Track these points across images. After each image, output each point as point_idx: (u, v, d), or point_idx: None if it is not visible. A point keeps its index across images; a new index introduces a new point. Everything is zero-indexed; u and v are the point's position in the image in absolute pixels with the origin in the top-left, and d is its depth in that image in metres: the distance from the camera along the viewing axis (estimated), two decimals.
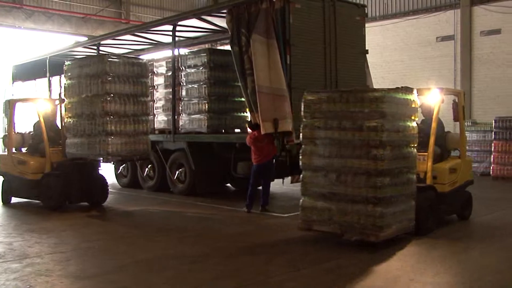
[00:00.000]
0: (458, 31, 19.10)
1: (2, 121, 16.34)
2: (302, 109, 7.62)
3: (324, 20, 10.63)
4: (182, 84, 12.65)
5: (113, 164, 14.07)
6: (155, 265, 6.57)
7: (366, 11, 11.91)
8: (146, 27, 14.27)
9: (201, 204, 11.37)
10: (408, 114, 7.43)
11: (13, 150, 11.62)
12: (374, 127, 6.86)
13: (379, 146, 6.85)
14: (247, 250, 7.43)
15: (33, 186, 10.85)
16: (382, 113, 6.87)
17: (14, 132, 11.64)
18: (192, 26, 12.85)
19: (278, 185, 12.09)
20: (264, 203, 10.22)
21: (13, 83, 18.57)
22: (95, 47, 14.81)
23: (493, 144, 15.53)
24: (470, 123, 16.89)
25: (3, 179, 11.88)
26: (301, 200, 7.65)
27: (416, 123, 7.70)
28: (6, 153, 11.79)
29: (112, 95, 10.11)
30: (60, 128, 11.74)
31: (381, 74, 19.65)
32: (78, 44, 16.22)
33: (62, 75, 16.20)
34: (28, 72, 17.75)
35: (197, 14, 12.32)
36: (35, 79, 18.06)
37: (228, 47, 11.42)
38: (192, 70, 12.42)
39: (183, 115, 12.56)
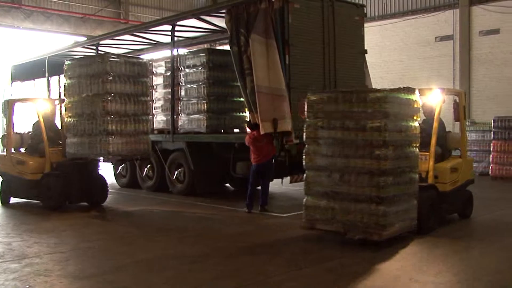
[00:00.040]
0: (457, 31, 19.12)
1: (1, 121, 16.39)
2: (306, 109, 7.68)
3: (323, 20, 10.64)
4: (181, 84, 12.65)
5: (112, 164, 14.08)
6: (154, 265, 6.57)
7: (365, 11, 11.91)
8: (145, 27, 14.26)
9: (200, 204, 11.37)
10: (410, 114, 7.50)
11: (12, 150, 11.59)
12: (377, 127, 6.93)
13: (382, 146, 6.93)
14: (247, 250, 7.43)
15: (33, 186, 10.84)
16: (385, 113, 6.94)
17: (13, 132, 11.62)
18: (191, 26, 12.84)
19: (277, 185, 12.10)
20: (263, 203, 10.22)
21: (12, 83, 18.55)
22: (94, 47, 14.81)
23: (492, 144, 15.55)
24: (469, 123, 16.89)
25: (1, 179, 11.86)
26: (304, 199, 7.71)
27: (418, 123, 7.75)
28: (5, 153, 11.76)
29: (112, 94, 10.11)
30: (59, 128, 11.74)
31: (380, 74, 19.66)
32: (77, 44, 16.21)
33: (61, 75, 16.25)
34: (27, 72, 17.73)
35: (196, 14, 12.31)
36: (34, 79, 18.04)
37: (227, 47, 11.42)
38: (191, 70, 12.42)
39: (182, 115, 12.56)
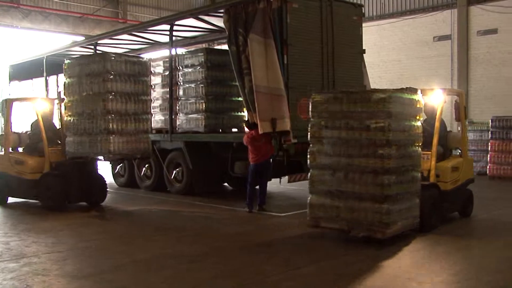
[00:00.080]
0: (455, 31, 19.14)
1: None
2: (310, 109, 7.79)
3: (321, 19, 10.65)
4: (179, 83, 12.65)
5: (111, 163, 14.07)
6: (153, 264, 6.57)
7: (363, 11, 11.92)
8: (143, 26, 14.25)
9: (199, 203, 11.37)
10: (413, 114, 7.62)
11: (10, 150, 11.56)
12: (381, 127, 7.04)
13: (386, 145, 7.04)
14: (246, 249, 7.44)
15: (32, 186, 10.80)
16: (388, 113, 7.05)
17: (11, 132, 11.59)
18: (189, 25, 12.84)
19: (275, 185, 12.10)
20: (262, 203, 10.23)
21: (10, 83, 18.53)
22: (92, 47, 14.80)
23: (489, 144, 15.59)
24: (467, 123, 16.90)
25: None
26: (308, 198, 7.80)
27: (420, 122, 7.86)
28: (2, 152, 11.74)
29: (113, 93, 10.11)
30: (57, 127, 11.72)
31: (378, 73, 19.67)
32: (75, 43, 16.20)
33: (59, 75, 16.29)
34: (25, 71, 17.71)
35: (194, 13, 12.31)
36: (32, 79, 18.02)
37: (225, 47, 11.41)
38: (190, 70, 12.43)
39: (180, 114, 12.56)
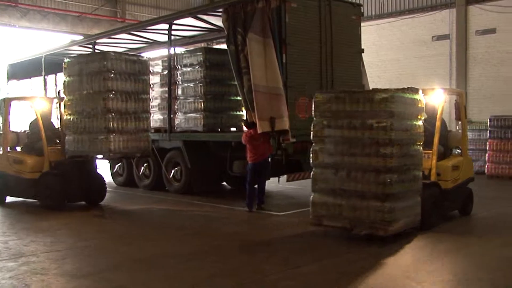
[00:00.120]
0: (453, 31, 19.16)
1: None
2: (312, 108, 7.88)
3: (320, 19, 10.65)
4: (178, 83, 12.65)
5: (109, 162, 14.07)
6: (151, 263, 6.57)
7: (362, 10, 11.92)
8: (142, 25, 14.25)
9: (197, 202, 11.37)
10: (415, 114, 7.72)
11: (8, 149, 11.54)
12: (384, 126, 7.13)
13: (388, 144, 7.13)
14: (244, 248, 7.44)
15: (31, 185, 10.76)
16: (391, 112, 7.14)
17: (10, 131, 11.56)
18: (188, 25, 12.84)
19: (273, 184, 12.10)
20: (260, 202, 10.23)
21: (8, 82, 18.50)
22: (91, 46, 14.78)
23: (488, 143, 15.62)
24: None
25: None
26: (311, 196, 7.88)
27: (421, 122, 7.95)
28: (1, 152, 11.70)
29: (114, 92, 10.10)
30: (55, 126, 11.69)
31: (376, 73, 19.68)
32: (73, 42, 16.18)
33: (58, 74, 16.27)
34: (24, 70, 17.69)
35: (193, 13, 12.31)
36: (30, 78, 18.01)
37: (224, 46, 11.41)
38: (188, 69, 12.42)
39: (179, 114, 12.56)
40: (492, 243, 7.64)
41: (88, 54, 13.54)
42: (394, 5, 20.99)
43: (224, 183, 13.59)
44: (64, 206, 10.51)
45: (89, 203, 10.95)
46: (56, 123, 12.21)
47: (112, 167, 14.37)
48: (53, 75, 16.85)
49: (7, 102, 11.66)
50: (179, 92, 12.60)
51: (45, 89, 16.68)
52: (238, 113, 12.62)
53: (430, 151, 8.49)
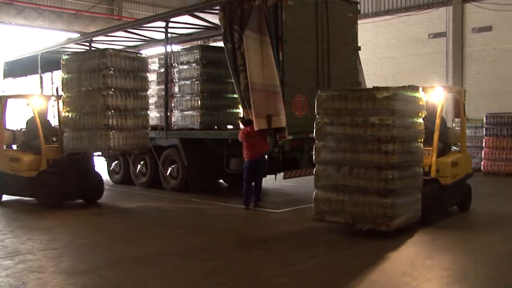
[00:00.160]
0: (450, 28, 19.19)
1: None
2: (316, 106, 7.97)
3: (317, 17, 10.66)
4: (174, 80, 12.63)
5: (106, 160, 14.05)
6: (148, 261, 6.58)
7: (358, 8, 11.93)
8: (138, 23, 14.20)
9: (194, 200, 11.37)
10: (415, 111, 7.85)
11: (4, 147, 11.50)
12: (386, 123, 7.24)
13: (390, 141, 7.25)
14: (240, 245, 7.45)
15: (28, 183, 10.72)
16: (393, 110, 7.26)
17: (5, 129, 11.54)
18: (184, 22, 12.82)
19: (270, 181, 12.12)
20: (257, 199, 10.24)
21: (4, 80, 18.45)
22: (87, 44, 14.75)
23: (484, 140, 15.67)
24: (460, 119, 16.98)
25: None
26: (314, 192, 7.97)
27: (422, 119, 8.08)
28: None
29: (113, 89, 10.08)
30: (52, 124, 11.66)
31: (373, 70, 19.71)
32: (70, 40, 16.14)
33: (54, 72, 16.23)
34: (20, 68, 17.64)
35: (190, 10, 12.28)
36: (26, 76, 17.95)
37: (221, 44, 11.41)
38: (185, 67, 12.41)
39: (176, 111, 12.55)
40: (491, 238, 7.73)
41: (87, 51, 13.51)
42: (390, 3, 21.01)
43: (221, 180, 13.59)
44: (62, 204, 10.48)
45: (87, 201, 10.93)
46: (53, 121, 12.17)
47: (108, 165, 14.35)
48: (49, 73, 16.79)
49: (3, 100, 11.64)
50: (176, 90, 12.58)
51: (41, 87, 16.63)
52: (234, 110, 12.62)
53: (430, 148, 8.61)
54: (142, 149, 10.95)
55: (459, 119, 9.76)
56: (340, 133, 7.64)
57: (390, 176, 7.24)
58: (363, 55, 12.32)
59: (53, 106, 12.70)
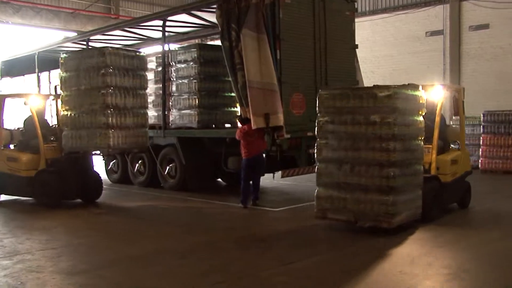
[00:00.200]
0: (447, 26, 19.21)
1: None
2: (317, 105, 8.02)
3: (314, 15, 10.66)
4: (172, 79, 12.63)
5: (103, 159, 14.05)
6: (146, 260, 6.58)
7: (355, 6, 11.94)
8: (135, 22, 14.19)
9: (192, 199, 11.38)
10: (416, 109, 7.93)
11: (1, 147, 11.47)
12: (387, 121, 7.31)
13: (391, 139, 7.32)
14: (238, 244, 7.45)
15: (26, 183, 10.68)
16: (394, 108, 7.34)
17: (3, 128, 11.50)
18: (182, 21, 12.81)
19: (268, 180, 12.12)
20: (255, 198, 10.25)
21: (1, 79, 18.41)
22: (85, 43, 14.73)
23: (481, 138, 15.70)
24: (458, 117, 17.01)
25: None
26: (316, 190, 8.02)
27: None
28: None
29: (112, 87, 10.07)
30: (50, 124, 11.63)
31: (370, 68, 19.72)
32: (67, 39, 16.11)
33: (52, 71, 16.22)
34: (17, 68, 17.61)
35: (187, 9, 12.27)
36: (24, 75, 17.93)
37: (218, 42, 11.40)
38: (182, 65, 12.40)
39: (173, 110, 12.55)
40: (490, 236, 7.78)
41: (86, 49, 13.48)
42: (388, 1, 21.02)
43: (219, 179, 13.59)
44: (60, 204, 10.45)
45: (86, 201, 10.91)
46: (50, 120, 12.15)
47: (106, 164, 14.35)
48: (47, 72, 16.78)
49: (0, 99, 11.60)
50: (173, 88, 12.58)
51: (39, 86, 16.61)
52: (232, 109, 12.63)
53: (430, 146, 8.69)
54: (141, 147, 10.95)
55: (457, 117, 9.82)
56: (342, 131, 7.71)
57: (392, 174, 7.31)
58: (361, 53, 12.35)
59: (50, 105, 12.69)
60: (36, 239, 7.77)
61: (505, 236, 7.77)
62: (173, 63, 12.60)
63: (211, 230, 8.40)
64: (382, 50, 20.78)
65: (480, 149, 15.66)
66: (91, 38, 14.59)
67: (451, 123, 14.21)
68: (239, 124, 10.45)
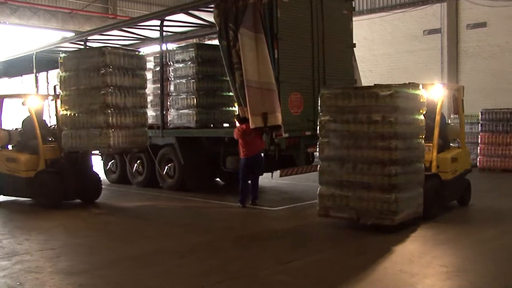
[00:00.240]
0: (444, 25, 19.24)
1: None
2: (319, 104, 8.11)
3: (312, 14, 10.67)
4: (170, 79, 12.62)
5: (102, 159, 14.04)
6: (144, 260, 6.58)
7: (353, 5, 11.94)
8: (133, 22, 14.17)
9: (191, 198, 11.38)
10: (417, 108, 8.02)
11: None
12: (389, 120, 7.39)
13: (393, 137, 7.41)
14: (237, 244, 7.46)
15: (25, 184, 10.65)
16: (395, 107, 7.42)
17: (1, 129, 11.49)
18: (179, 21, 12.81)
19: (267, 179, 12.13)
20: (254, 197, 10.25)
21: None
22: (82, 43, 14.71)
23: (479, 136, 15.73)
24: (456, 116, 17.04)
25: None
26: (318, 189, 8.09)
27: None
28: None
29: (112, 87, 10.06)
30: (48, 124, 11.61)
31: (368, 67, 19.74)
32: (65, 39, 16.09)
33: (49, 71, 16.19)
34: (15, 68, 17.58)
35: (185, 8, 12.27)
36: (21, 76, 17.90)
37: (216, 42, 11.40)
38: (180, 65, 12.39)
39: (172, 110, 12.54)
40: (490, 233, 7.85)
41: (86, 49, 13.45)
42: (385, 0, 21.04)
43: (218, 179, 13.59)
44: (60, 205, 10.43)
45: (85, 201, 10.89)
46: (48, 121, 12.13)
47: (105, 164, 14.34)
48: (45, 73, 16.75)
49: None
50: (172, 88, 12.57)
51: (37, 86, 16.59)
52: (230, 108, 12.61)
53: (431, 144, 8.77)
54: (141, 147, 10.94)
55: (456, 115, 9.87)
56: (344, 130, 7.80)
57: (393, 172, 7.40)
58: (358, 52, 12.35)
59: (49, 105, 12.66)
60: (34, 239, 7.77)
61: (505, 234, 7.80)
62: (171, 63, 12.59)
63: (210, 230, 8.41)
64: (380, 49, 20.80)
65: (478, 148, 15.69)
66: (89, 38, 14.57)
67: (449, 121, 14.20)
68: (237, 124, 10.45)
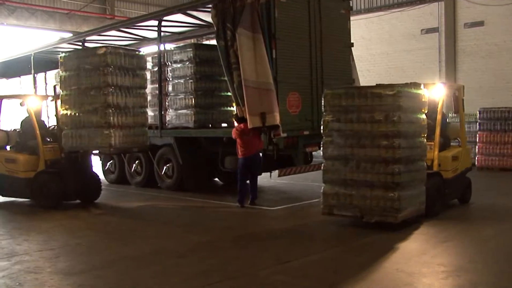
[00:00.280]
0: (442, 23, 19.26)
1: None
2: (323, 103, 8.20)
3: (309, 13, 10.69)
4: (168, 79, 12.63)
5: (101, 159, 14.03)
6: (143, 260, 6.60)
7: (351, 4, 11.97)
8: (131, 22, 14.16)
9: (189, 198, 11.39)
10: (419, 107, 8.13)
11: None
12: (392, 119, 7.49)
13: (396, 136, 7.50)
14: (236, 243, 7.47)
15: (25, 184, 10.64)
16: (398, 106, 7.53)
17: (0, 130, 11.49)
18: (177, 21, 12.81)
19: (265, 179, 12.15)
20: (253, 197, 10.26)
21: None
22: (80, 43, 14.70)
23: (477, 135, 15.75)
24: (455, 115, 17.06)
25: None
26: (322, 187, 8.18)
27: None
28: None
29: (113, 87, 10.06)
30: (47, 125, 11.60)
31: (366, 67, 19.76)
32: (63, 40, 16.06)
33: (48, 72, 16.17)
34: (13, 69, 17.55)
35: (182, 9, 12.27)
36: (19, 76, 17.88)
37: (214, 42, 11.41)
38: (178, 65, 12.40)
39: (170, 110, 12.55)
40: (490, 231, 7.92)
41: (86, 48, 13.44)
42: None
43: (216, 179, 13.60)
44: (60, 205, 10.42)
45: (84, 201, 10.89)
46: (47, 121, 12.12)
47: (104, 165, 14.34)
48: (43, 73, 16.73)
49: None
50: (170, 88, 12.58)
51: (35, 87, 16.57)
52: (229, 108, 12.62)
53: (432, 143, 8.88)
54: (142, 147, 10.95)
55: (456, 114, 9.94)
56: (347, 129, 7.89)
57: (397, 170, 7.49)
58: (356, 52, 12.37)
59: (47, 106, 12.64)
60: (34, 240, 7.78)
61: (504, 233, 7.84)
62: (169, 63, 12.59)
63: (209, 230, 8.42)
64: (377, 48, 20.82)
65: (477, 146, 15.71)
66: (87, 38, 14.57)
67: (447, 120, 14.21)
68: (235, 123, 10.46)
